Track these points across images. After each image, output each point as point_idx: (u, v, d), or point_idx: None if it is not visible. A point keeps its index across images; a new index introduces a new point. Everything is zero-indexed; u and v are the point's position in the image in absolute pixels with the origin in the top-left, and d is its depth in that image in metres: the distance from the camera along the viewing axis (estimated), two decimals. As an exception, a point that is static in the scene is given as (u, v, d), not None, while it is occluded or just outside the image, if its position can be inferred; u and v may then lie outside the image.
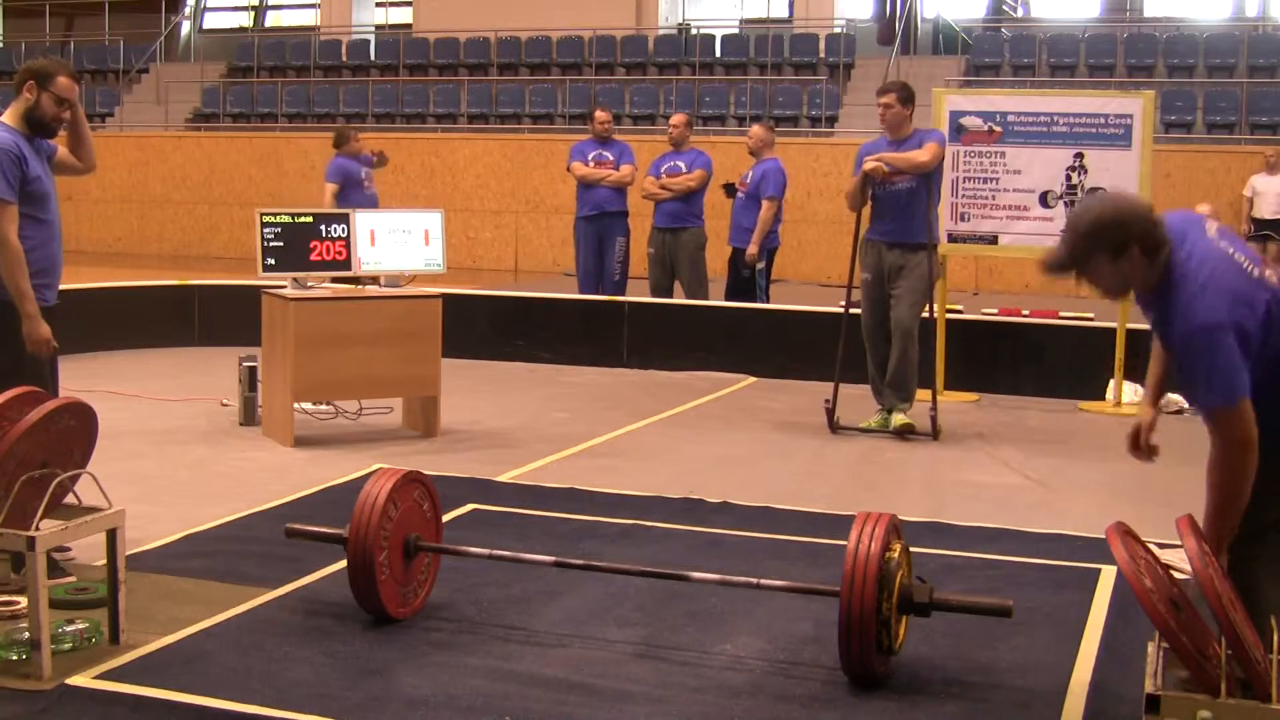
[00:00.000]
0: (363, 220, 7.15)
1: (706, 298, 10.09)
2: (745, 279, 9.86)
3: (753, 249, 9.70)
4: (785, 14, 21.29)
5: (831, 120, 16.16)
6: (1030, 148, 8.28)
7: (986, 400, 8.62)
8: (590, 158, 10.54)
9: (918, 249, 7.28)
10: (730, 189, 10.16)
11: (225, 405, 7.78)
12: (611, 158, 10.60)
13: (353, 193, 10.75)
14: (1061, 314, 9.76)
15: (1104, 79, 15.73)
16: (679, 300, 10.20)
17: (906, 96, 7.34)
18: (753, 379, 9.25)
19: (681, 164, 10.19)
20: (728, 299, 10.00)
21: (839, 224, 13.76)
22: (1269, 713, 2.92)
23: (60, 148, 5.04)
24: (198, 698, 3.55)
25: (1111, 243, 3.20)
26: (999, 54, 16.93)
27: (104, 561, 3.96)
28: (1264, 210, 13.07)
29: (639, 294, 10.27)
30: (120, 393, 8.03)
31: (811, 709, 3.60)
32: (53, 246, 4.82)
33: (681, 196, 10.12)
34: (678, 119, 10.53)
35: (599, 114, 10.87)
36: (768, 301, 9.96)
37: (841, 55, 17.33)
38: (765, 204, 9.68)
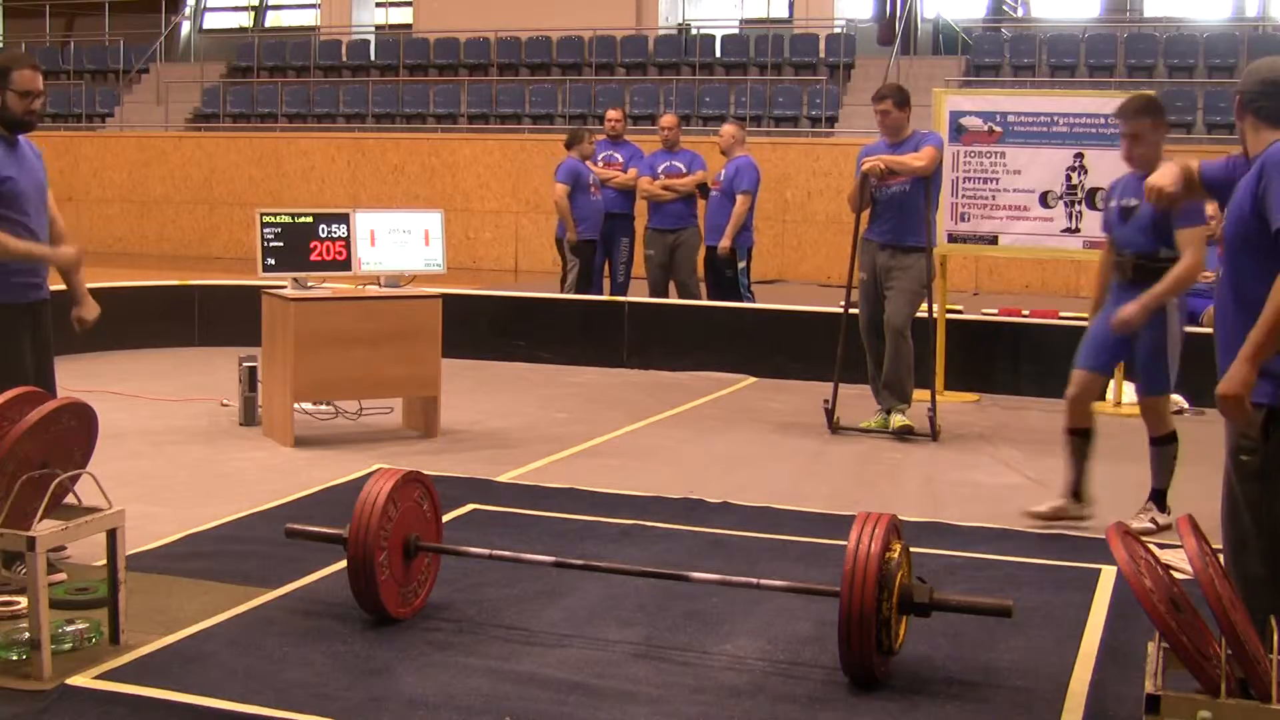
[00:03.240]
0: (363, 220, 7.15)
1: (701, 297, 10.10)
2: (728, 279, 9.86)
3: (725, 242, 9.69)
4: (785, 14, 21.28)
5: (831, 120, 16.15)
6: (1030, 148, 8.28)
7: (986, 400, 8.62)
8: (600, 158, 10.54)
9: (910, 251, 7.30)
10: (703, 189, 10.16)
11: (225, 405, 7.79)
12: (621, 159, 10.60)
13: (579, 196, 10.27)
14: (1061, 314, 9.76)
15: (1104, 79, 15.71)
16: (679, 300, 10.20)
17: (902, 100, 7.36)
18: (753, 379, 9.25)
19: (680, 164, 10.19)
20: (709, 299, 10.01)
21: (839, 224, 13.75)
22: (1269, 713, 2.92)
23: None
24: (198, 698, 3.55)
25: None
26: (999, 54, 16.92)
27: (104, 561, 3.97)
28: None
29: (639, 294, 10.28)
30: (120, 393, 8.03)
31: (811, 709, 3.60)
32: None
33: (683, 197, 10.13)
34: (669, 120, 10.52)
35: (610, 113, 10.86)
36: (752, 300, 9.97)
37: (841, 55, 17.31)
38: (740, 198, 9.69)
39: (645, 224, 10.42)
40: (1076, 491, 5.69)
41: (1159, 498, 5.67)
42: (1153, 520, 5.57)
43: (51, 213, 4.97)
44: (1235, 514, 3.43)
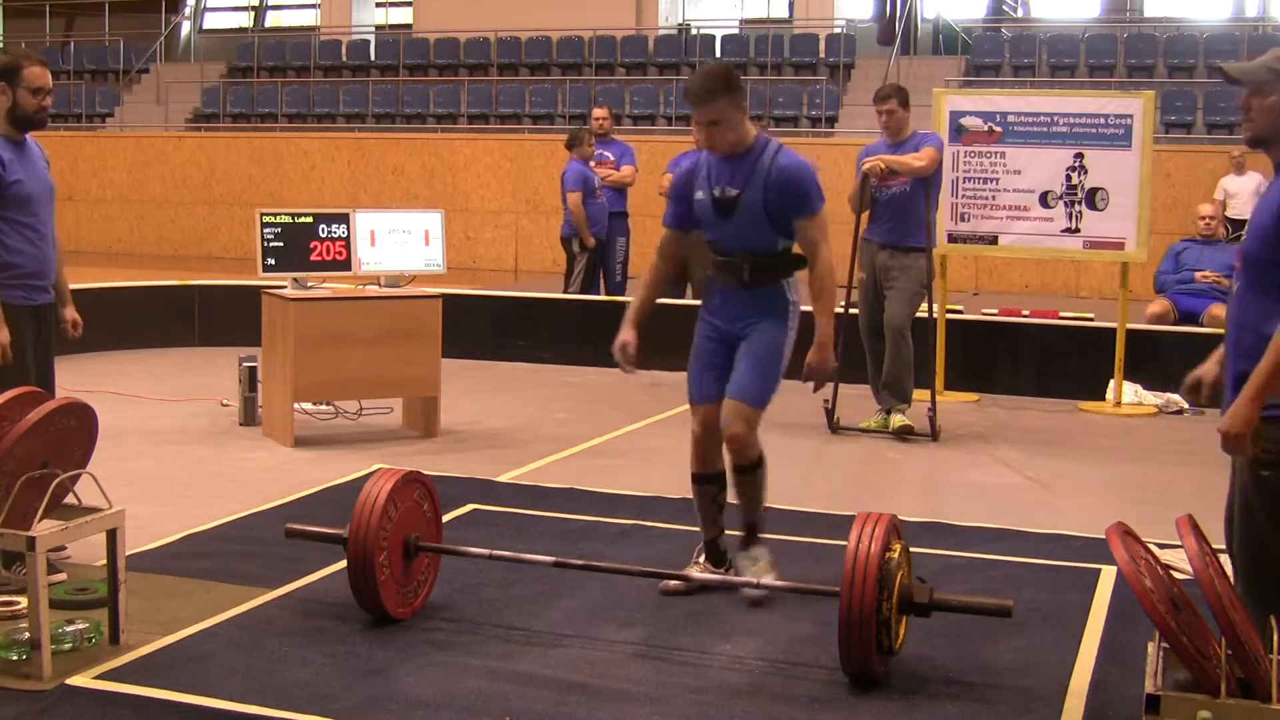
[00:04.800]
0: (363, 220, 7.15)
1: None
2: None
3: None
4: (785, 14, 21.29)
5: (831, 120, 16.15)
6: (1030, 148, 8.28)
7: (986, 400, 8.62)
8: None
9: (910, 251, 7.30)
10: None
11: (225, 405, 7.79)
12: (612, 157, 10.60)
13: (586, 200, 10.19)
14: (1061, 314, 9.77)
15: (1104, 79, 15.72)
16: (679, 300, 10.19)
17: (905, 99, 7.38)
18: (753, 379, 9.23)
19: None
20: None
21: (839, 224, 13.63)
22: (1269, 713, 2.92)
23: None
24: (198, 698, 3.55)
25: None
26: (999, 54, 16.93)
27: (104, 561, 3.97)
28: (1240, 210, 12.99)
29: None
30: (120, 393, 8.03)
31: (811, 709, 3.60)
32: (40, 249, 4.75)
33: None
34: None
35: (597, 111, 10.87)
36: None
37: (841, 55, 17.32)
38: None
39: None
40: (714, 553, 4.61)
41: (752, 533, 4.59)
42: (707, 569, 4.52)
43: None
44: (1249, 528, 3.31)
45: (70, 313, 5.09)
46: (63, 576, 4.44)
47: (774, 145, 4.49)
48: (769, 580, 4.29)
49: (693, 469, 4.59)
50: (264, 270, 6.96)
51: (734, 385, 4.47)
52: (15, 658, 3.73)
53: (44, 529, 3.70)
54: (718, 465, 4.55)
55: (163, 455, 6.63)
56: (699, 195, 4.54)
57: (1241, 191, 13.19)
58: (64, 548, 4.55)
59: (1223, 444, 3.21)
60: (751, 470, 4.48)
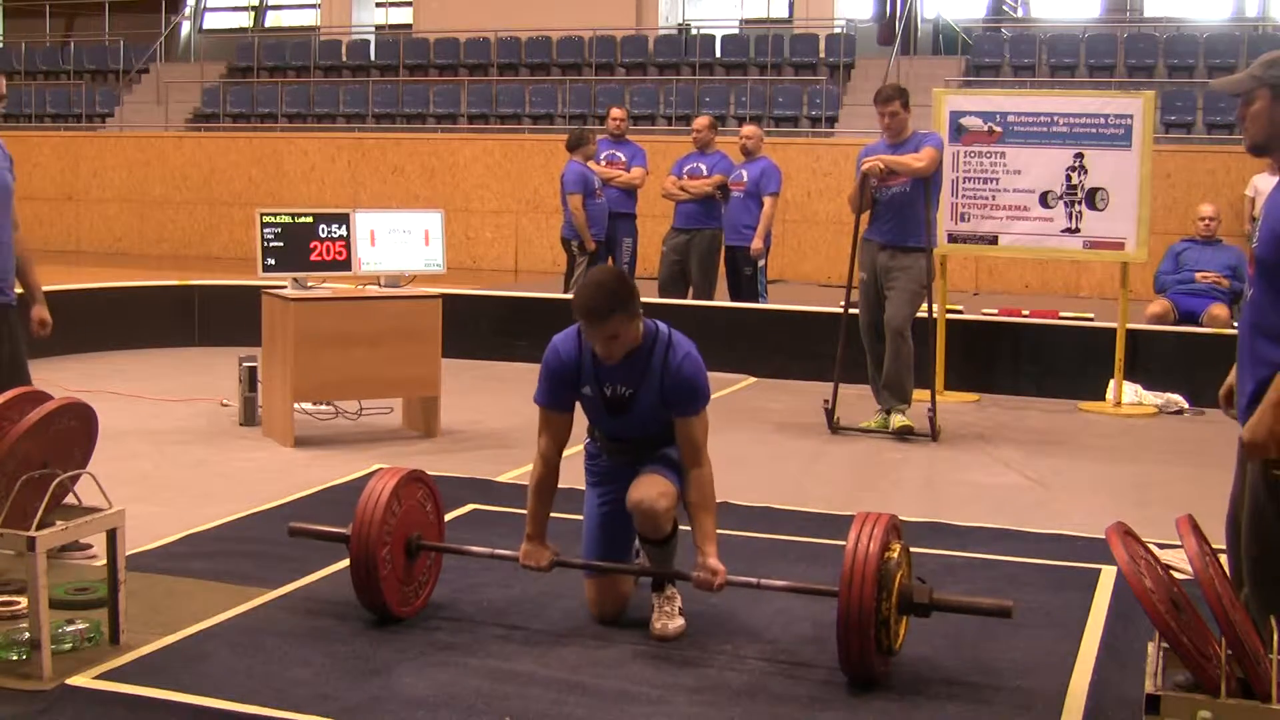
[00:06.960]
0: (363, 220, 7.15)
1: (712, 298, 10.11)
2: (748, 276, 9.88)
3: (758, 243, 9.73)
4: (785, 14, 21.28)
5: (831, 120, 16.14)
6: (1030, 148, 8.28)
7: (986, 400, 8.62)
8: (603, 157, 10.54)
9: (910, 251, 7.30)
10: (724, 190, 10.18)
11: (225, 405, 7.79)
12: (624, 158, 10.60)
13: (587, 201, 10.18)
14: (1061, 314, 9.77)
15: (1104, 79, 15.72)
16: (679, 300, 10.19)
17: (907, 101, 7.38)
18: (753, 379, 9.25)
19: (703, 166, 10.18)
20: (730, 298, 10.04)
21: (839, 224, 13.75)
22: (1269, 713, 2.92)
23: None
24: (198, 698, 3.55)
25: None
26: (999, 54, 16.92)
27: (104, 561, 3.97)
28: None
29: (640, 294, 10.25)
30: (120, 393, 8.03)
31: (811, 709, 3.60)
32: None
33: (698, 199, 10.11)
34: (701, 122, 10.45)
35: (614, 111, 10.86)
36: (766, 300, 9.99)
37: (841, 55, 17.31)
38: (769, 200, 9.73)
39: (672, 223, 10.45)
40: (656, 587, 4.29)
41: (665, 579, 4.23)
42: (680, 612, 4.20)
43: (14, 217, 4.97)
44: (1258, 529, 3.27)
45: (39, 311, 5.09)
46: (91, 548, 4.55)
47: (664, 337, 4.19)
48: (679, 622, 4.14)
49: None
50: (264, 270, 6.97)
51: (654, 468, 4.23)
52: (15, 658, 3.73)
53: (45, 533, 3.69)
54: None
55: (163, 455, 6.63)
56: (586, 390, 4.29)
57: (1268, 191, 13.17)
58: (90, 544, 4.57)
59: (1245, 452, 3.20)
60: (670, 539, 4.22)
